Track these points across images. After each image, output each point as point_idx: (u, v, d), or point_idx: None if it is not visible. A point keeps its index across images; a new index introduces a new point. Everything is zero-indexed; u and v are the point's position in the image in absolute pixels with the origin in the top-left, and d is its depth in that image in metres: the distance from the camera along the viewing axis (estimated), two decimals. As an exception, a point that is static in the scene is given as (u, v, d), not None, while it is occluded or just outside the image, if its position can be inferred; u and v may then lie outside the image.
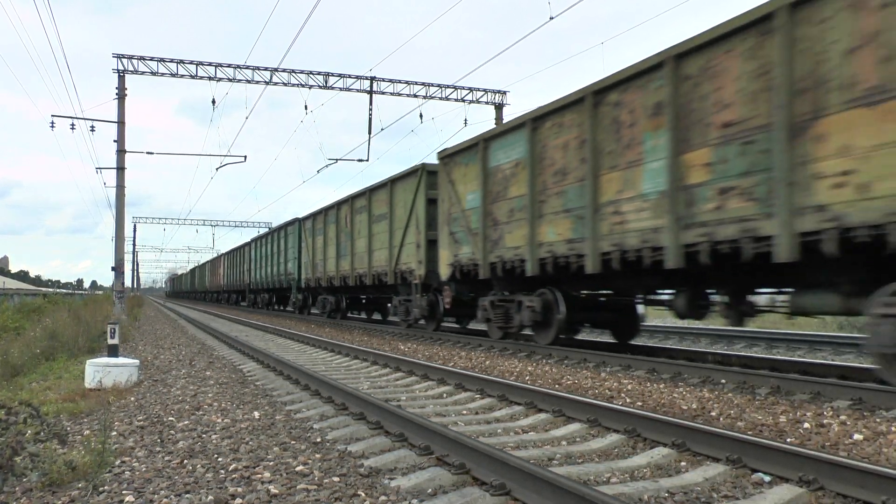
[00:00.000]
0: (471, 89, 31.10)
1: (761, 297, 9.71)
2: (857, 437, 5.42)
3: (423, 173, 16.81)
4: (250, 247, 40.83)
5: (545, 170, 11.87)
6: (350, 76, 29.05)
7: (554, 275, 11.89)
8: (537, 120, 12.01)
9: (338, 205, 23.16)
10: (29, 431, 4.74)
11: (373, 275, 19.84)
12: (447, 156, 15.06)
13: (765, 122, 8.04)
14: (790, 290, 8.62)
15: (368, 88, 28.74)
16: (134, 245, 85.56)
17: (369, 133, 27.66)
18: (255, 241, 39.47)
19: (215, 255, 61.97)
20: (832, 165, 7.30)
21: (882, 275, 7.32)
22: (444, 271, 15.21)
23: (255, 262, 39.04)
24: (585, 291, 12.85)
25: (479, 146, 13.71)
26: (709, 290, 9.93)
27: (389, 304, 22.08)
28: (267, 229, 42.35)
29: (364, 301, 25.25)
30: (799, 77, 7.65)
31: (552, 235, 11.65)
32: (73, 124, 28.89)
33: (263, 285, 36.56)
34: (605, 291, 12.84)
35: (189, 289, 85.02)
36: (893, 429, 5.58)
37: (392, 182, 18.66)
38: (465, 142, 14.40)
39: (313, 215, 26.39)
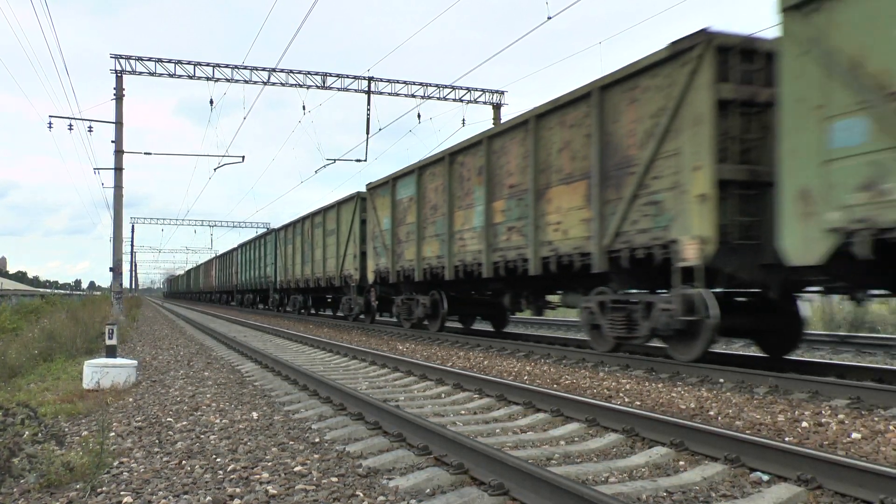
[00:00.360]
0: (469, 89, 31.12)
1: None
2: (855, 435, 5.42)
3: (358, 199, 21.08)
4: (237, 252, 44.47)
5: (426, 205, 16.32)
6: (348, 76, 29.06)
7: (433, 280, 16.07)
8: (422, 168, 16.45)
9: (303, 219, 27.21)
10: (27, 433, 4.74)
11: (326, 278, 24.26)
12: (372, 188, 19.33)
13: (526, 187, 12.28)
14: (561, 292, 12.68)
15: (366, 88, 28.76)
16: (132, 246, 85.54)
17: (367, 133, 27.69)
18: (241, 247, 43.15)
19: (213, 255, 64.10)
20: (553, 217, 11.62)
21: (591, 282, 11.05)
22: (370, 277, 19.43)
23: (241, 265, 42.74)
24: (473, 292, 16.81)
25: (389, 183, 18.09)
26: (522, 292, 14.00)
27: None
28: (265, 230, 45.96)
29: (329, 300, 28.90)
30: (540, 161, 11.94)
31: (429, 252, 16.10)
32: (70, 125, 28.88)
33: (248, 286, 40.45)
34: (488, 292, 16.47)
35: (184, 290, 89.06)
36: (891, 427, 5.58)
37: (339, 204, 23.14)
38: (382, 178, 18.70)
39: (285, 227, 30.54)
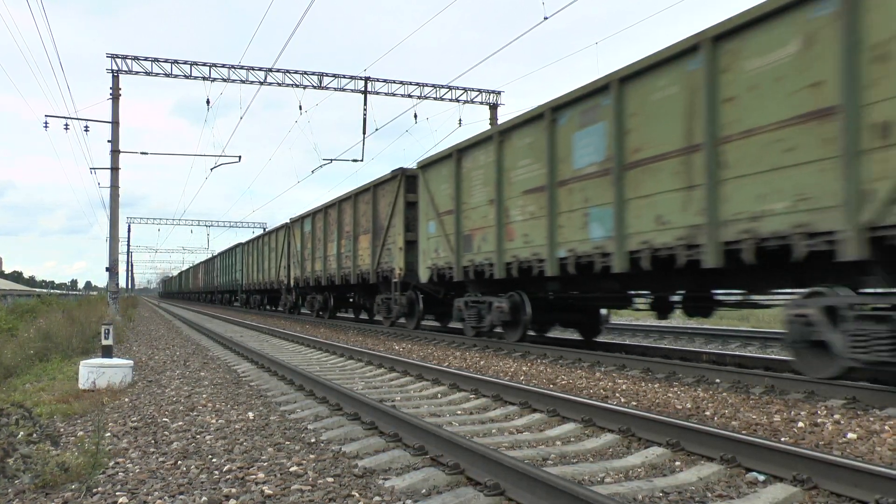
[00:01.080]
0: (465, 89, 31.11)
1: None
2: (850, 435, 5.43)
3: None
4: (215, 259, 54.96)
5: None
6: (344, 76, 29.04)
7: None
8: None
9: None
10: (21, 433, 4.73)
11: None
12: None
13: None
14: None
15: (363, 89, 28.73)
16: (128, 246, 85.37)
17: (364, 133, 27.66)
18: (219, 255, 52.46)
19: (210, 255, 65.85)
20: (361, 252, 19.83)
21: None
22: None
23: (219, 270, 51.81)
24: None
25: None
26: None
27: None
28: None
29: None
30: (356, 219, 19.55)
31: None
32: (66, 125, 28.80)
33: (224, 287, 49.82)
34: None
35: (177, 290, 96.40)
36: (887, 428, 5.59)
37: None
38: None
39: (251, 241, 35.04)
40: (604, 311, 14.04)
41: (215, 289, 53.03)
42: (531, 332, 14.69)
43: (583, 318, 14.07)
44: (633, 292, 11.75)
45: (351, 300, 25.69)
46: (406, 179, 17.70)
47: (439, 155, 15.41)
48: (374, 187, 19.60)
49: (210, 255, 64.49)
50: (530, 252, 12.05)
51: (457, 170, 14.49)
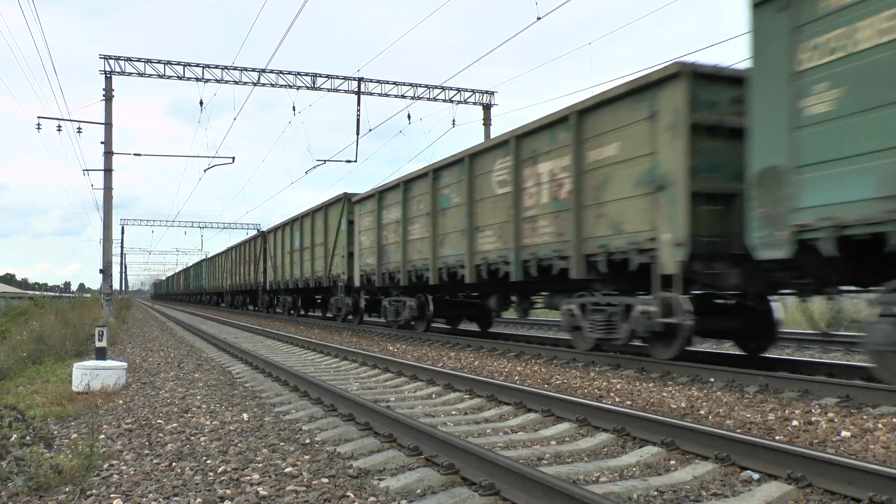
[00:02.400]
0: (459, 90, 31.14)
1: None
2: (844, 434, 5.44)
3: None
4: (200, 265, 62.92)
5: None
6: (338, 77, 29.05)
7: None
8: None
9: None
10: (14, 435, 4.71)
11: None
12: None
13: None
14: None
15: (356, 89, 28.73)
16: (122, 247, 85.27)
17: (357, 134, 27.65)
18: (205, 261, 59.99)
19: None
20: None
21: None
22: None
23: (201, 276, 60.21)
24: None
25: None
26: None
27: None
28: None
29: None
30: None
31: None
32: (59, 126, 28.76)
33: (208, 290, 56.47)
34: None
35: (166, 292, 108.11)
36: (880, 426, 5.61)
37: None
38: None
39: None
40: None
41: (203, 291, 60.40)
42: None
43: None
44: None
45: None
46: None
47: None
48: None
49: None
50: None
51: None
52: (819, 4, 7.16)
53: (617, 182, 9.87)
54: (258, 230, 43.66)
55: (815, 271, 7.92)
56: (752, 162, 7.87)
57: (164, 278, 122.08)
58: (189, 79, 27.65)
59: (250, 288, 37.27)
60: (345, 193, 21.90)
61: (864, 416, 5.99)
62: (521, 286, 13.33)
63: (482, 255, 13.37)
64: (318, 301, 29.10)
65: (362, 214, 19.78)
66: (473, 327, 19.27)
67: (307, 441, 5.47)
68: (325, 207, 23.73)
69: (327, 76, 28.91)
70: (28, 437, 4.76)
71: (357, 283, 20.11)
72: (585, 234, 10.50)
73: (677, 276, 8.81)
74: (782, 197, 7.53)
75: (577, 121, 10.58)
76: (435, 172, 15.39)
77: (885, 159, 6.59)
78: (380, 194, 18.40)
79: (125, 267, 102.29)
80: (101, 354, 9.45)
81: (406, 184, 16.82)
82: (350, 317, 22.41)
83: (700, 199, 8.79)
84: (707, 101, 8.86)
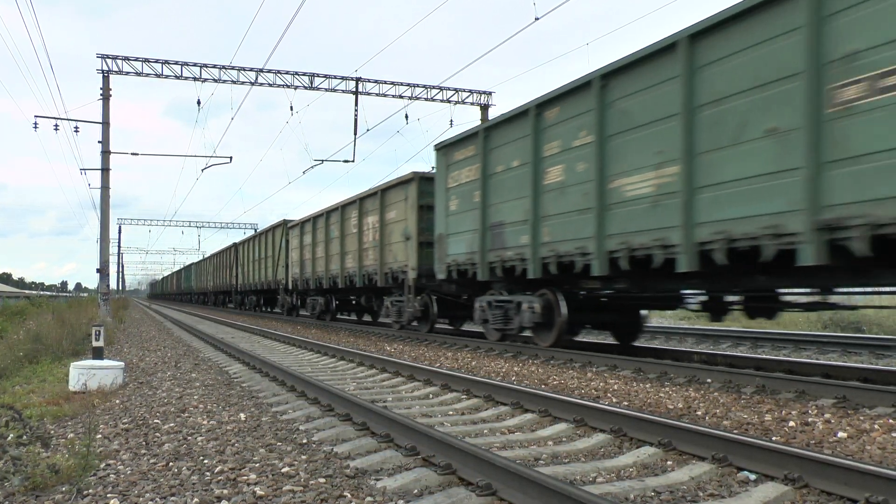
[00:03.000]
0: (456, 90, 31.12)
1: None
2: (841, 434, 5.45)
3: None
4: (190, 267, 69.47)
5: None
6: (335, 77, 29.01)
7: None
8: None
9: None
10: (11, 435, 4.70)
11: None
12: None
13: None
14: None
15: (354, 89, 28.71)
16: (119, 247, 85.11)
17: (355, 134, 27.64)
18: (193, 265, 66.91)
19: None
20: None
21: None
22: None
23: (191, 278, 66.86)
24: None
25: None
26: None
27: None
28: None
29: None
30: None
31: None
32: (56, 125, 28.71)
33: (196, 290, 62.99)
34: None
35: (161, 292, 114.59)
36: (877, 426, 5.62)
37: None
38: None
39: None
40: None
41: (192, 291, 66.73)
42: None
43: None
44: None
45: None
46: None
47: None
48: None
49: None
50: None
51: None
52: (453, 156, 14.19)
53: (394, 233, 17.55)
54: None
55: (456, 285, 14.99)
56: (435, 228, 14.95)
57: (159, 279, 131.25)
58: (186, 78, 27.61)
59: (227, 289, 44.55)
60: (283, 221, 29.11)
61: (861, 417, 6.00)
62: (366, 290, 21.18)
63: (347, 270, 21.11)
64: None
65: (292, 237, 26.81)
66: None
67: (304, 441, 5.47)
68: (273, 230, 30.99)
69: (325, 76, 28.88)
70: (25, 437, 4.75)
71: (290, 286, 27.34)
72: (384, 261, 18.21)
73: (412, 286, 16.46)
74: (444, 247, 14.50)
75: (381, 195, 18.30)
76: (327, 214, 22.86)
77: (468, 235, 13.56)
78: (301, 224, 25.54)
79: (122, 266, 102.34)
80: (97, 354, 9.45)
81: (314, 220, 24.13)
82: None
83: (424, 245, 16.05)
84: (428, 192, 15.97)
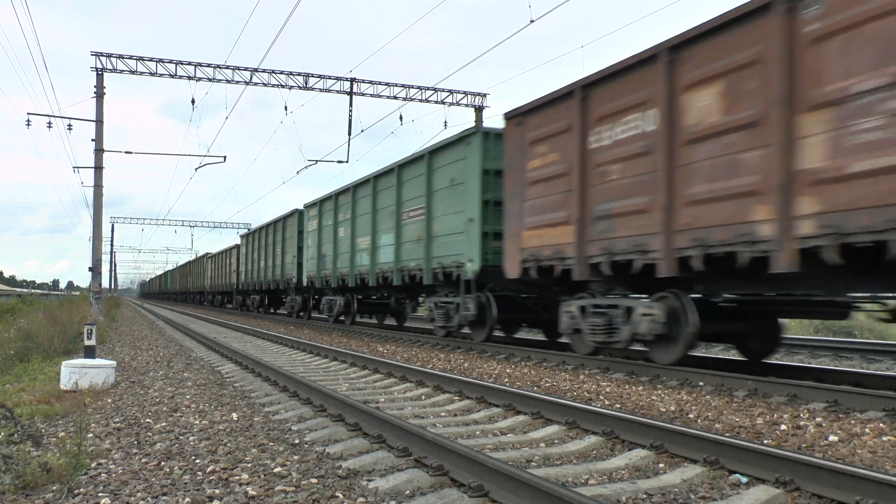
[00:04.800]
0: (451, 91, 31.12)
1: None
2: (832, 438, 5.47)
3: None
4: (167, 273, 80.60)
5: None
6: (330, 77, 28.97)
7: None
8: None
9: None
10: (2, 433, 4.68)
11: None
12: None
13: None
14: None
15: (348, 90, 28.69)
16: (112, 245, 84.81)
17: (349, 134, 27.61)
18: (168, 272, 79.14)
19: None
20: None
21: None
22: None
23: (167, 281, 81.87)
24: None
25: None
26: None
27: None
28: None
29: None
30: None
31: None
32: (49, 123, 28.60)
33: (176, 290, 71.79)
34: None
35: (150, 291, 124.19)
36: (867, 430, 5.64)
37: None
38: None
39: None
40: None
41: (177, 291, 73.82)
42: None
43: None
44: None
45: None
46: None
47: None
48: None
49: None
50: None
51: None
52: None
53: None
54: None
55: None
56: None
57: (147, 280, 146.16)
58: (181, 77, 27.54)
59: (197, 290, 54.21)
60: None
61: (852, 421, 6.02)
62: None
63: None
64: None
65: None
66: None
67: (297, 441, 5.46)
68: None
69: (320, 76, 28.84)
70: (16, 436, 4.73)
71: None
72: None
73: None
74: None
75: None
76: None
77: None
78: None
79: (115, 265, 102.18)
80: (89, 353, 9.41)
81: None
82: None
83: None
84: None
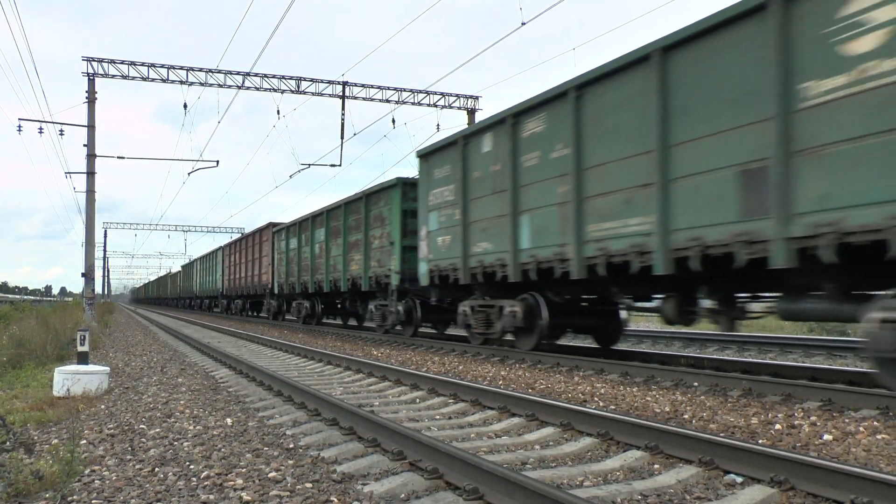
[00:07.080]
0: (443, 94, 31.11)
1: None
2: (826, 437, 5.48)
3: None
4: (164, 279, 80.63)
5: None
6: (322, 81, 28.93)
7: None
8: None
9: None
10: (-6, 441, 4.65)
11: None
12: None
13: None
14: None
15: (341, 93, 28.67)
16: (105, 251, 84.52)
17: (342, 138, 27.62)
18: (165, 276, 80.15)
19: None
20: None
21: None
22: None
23: (152, 288, 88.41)
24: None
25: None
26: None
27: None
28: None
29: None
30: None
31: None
32: (41, 128, 28.55)
33: (165, 296, 75.96)
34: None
35: (142, 297, 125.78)
36: (861, 429, 5.65)
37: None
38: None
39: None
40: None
41: (167, 297, 76.87)
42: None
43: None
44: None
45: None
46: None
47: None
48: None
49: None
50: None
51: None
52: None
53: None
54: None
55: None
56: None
57: (139, 286, 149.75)
58: (173, 82, 27.47)
59: (174, 296, 64.39)
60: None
61: (846, 420, 6.04)
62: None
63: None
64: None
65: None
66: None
67: (291, 446, 5.44)
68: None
69: (312, 80, 28.80)
70: (8, 443, 4.71)
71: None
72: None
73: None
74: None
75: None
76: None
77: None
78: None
79: (108, 271, 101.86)
80: (82, 359, 9.39)
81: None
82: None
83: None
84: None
